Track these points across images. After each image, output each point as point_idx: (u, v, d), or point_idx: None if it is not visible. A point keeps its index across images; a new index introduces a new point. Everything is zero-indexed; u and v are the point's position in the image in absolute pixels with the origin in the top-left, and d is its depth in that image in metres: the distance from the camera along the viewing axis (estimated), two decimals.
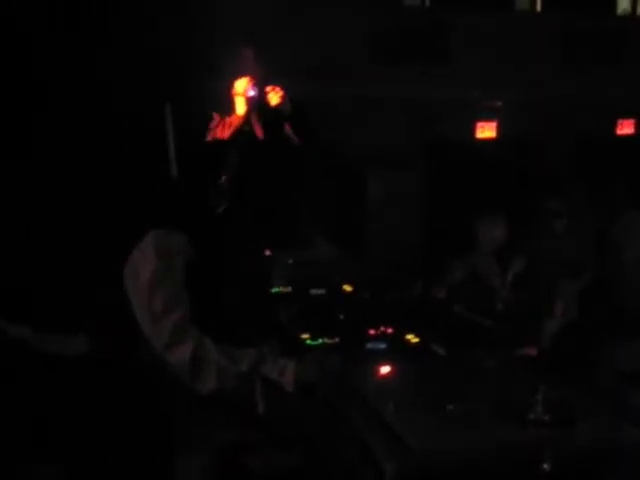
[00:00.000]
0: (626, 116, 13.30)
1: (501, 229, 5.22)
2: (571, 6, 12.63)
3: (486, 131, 12.54)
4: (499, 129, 12.50)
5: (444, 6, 12.58)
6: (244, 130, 3.03)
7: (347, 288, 4.78)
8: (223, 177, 2.80)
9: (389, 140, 11.53)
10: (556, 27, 12.64)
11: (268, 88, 3.37)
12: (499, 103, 12.30)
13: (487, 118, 12.34)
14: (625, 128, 13.49)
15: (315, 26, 10.98)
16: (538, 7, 13.45)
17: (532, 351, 3.52)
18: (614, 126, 13.38)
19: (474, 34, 12.21)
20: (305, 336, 3.67)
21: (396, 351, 3.44)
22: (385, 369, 3.07)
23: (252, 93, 3.31)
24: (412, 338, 3.65)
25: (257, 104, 3.31)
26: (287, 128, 3.35)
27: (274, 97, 3.36)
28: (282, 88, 3.41)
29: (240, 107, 3.27)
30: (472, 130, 12.35)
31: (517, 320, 4.36)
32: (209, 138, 2.88)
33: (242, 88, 3.34)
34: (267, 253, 5.01)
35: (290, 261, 5.21)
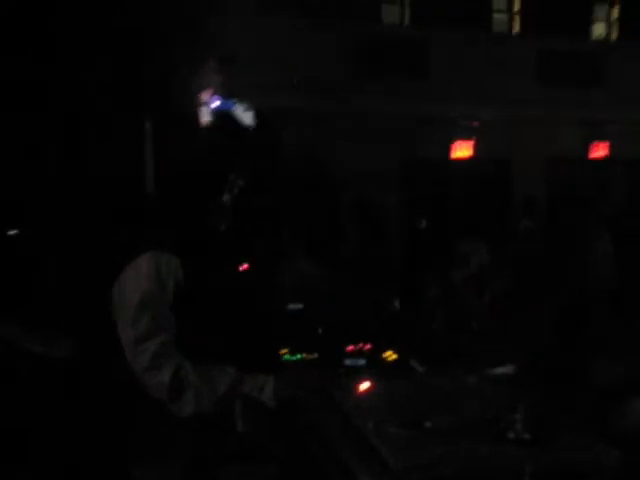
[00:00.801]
0: (600, 139, 13.47)
1: (481, 251, 5.26)
2: (547, 29, 12.80)
3: (463, 149, 12.64)
4: (474, 148, 12.61)
5: (422, 24, 12.69)
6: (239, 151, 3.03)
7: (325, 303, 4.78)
8: (225, 197, 2.80)
9: (366, 156, 11.57)
10: (532, 48, 12.81)
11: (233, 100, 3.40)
12: (475, 122, 12.41)
13: (464, 136, 12.45)
14: (600, 150, 13.65)
15: (297, 42, 11.03)
16: (515, 29, 13.61)
17: (510, 369, 3.53)
18: (588, 148, 13.55)
19: (452, 53, 12.33)
20: (283, 351, 3.66)
21: (375, 367, 3.44)
22: (364, 385, 3.06)
23: (216, 104, 3.34)
24: (390, 355, 3.66)
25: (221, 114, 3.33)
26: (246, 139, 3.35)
27: (240, 111, 3.39)
28: (246, 101, 3.43)
29: (204, 117, 3.29)
30: (448, 148, 12.45)
31: (494, 338, 4.38)
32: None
33: (206, 99, 3.37)
34: (244, 267, 5.01)
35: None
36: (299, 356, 3.59)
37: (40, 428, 2.49)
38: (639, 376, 3.30)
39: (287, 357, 3.61)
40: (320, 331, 4.06)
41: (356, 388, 3.05)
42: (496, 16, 13.63)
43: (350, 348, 3.73)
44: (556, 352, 3.50)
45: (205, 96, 3.14)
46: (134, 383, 2.66)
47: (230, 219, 2.83)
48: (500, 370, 3.50)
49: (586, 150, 13.50)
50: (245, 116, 3.37)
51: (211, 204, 2.80)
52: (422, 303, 5.12)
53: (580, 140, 13.17)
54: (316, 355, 3.60)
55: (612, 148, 13.45)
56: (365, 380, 3.09)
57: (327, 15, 11.53)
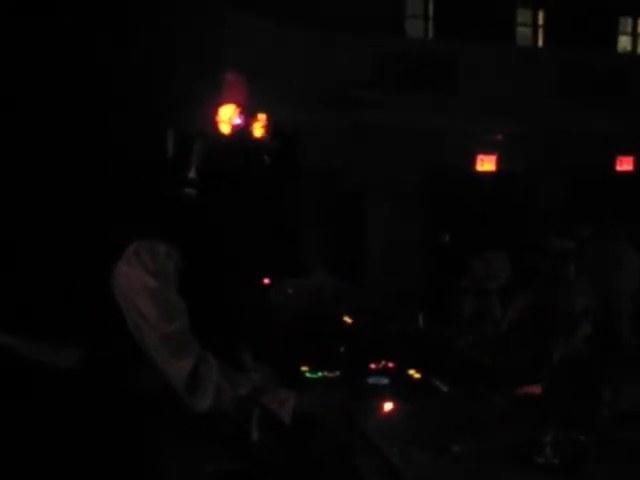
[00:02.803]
0: (626, 153, 13.34)
1: (505, 267, 5.18)
2: (572, 43, 12.72)
3: (486, 164, 12.56)
4: (498, 162, 12.53)
5: (447, 39, 12.65)
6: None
7: (347, 320, 4.72)
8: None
9: (390, 170, 11.53)
10: (557, 61, 12.72)
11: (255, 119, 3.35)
12: (499, 136, 12.34)
13: (488, 151, 12.37)
14: (624, 165, 13.52)
15: (320, 56, 11.03)
16: (540, 42, 13.54)
17: (535, 389, 3.44)
18: (613, 162, 13.42)
19: (476, 67, 12.27)
20: (305, 368, 3.60)
21: (398, 386, 3.37)
22: (388, 406, 2.99)
23: (238, 121, 3.29)
24: (414, 373, 3.58)
25: (241, 132, 3.28)
26: (266, 159, 3.30)
27: (258, 128, 3.33)
28: (268, 119, 3.38)
29: (226, 132, 3.23)
30: (473, 162, 12.37)
31: (518, 357, 4.29)
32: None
33: (227, 116, 3.31)
34: (266, 281, 4.97)
35: (290, 290, 5.15)
36: (320, 374, 3.53)
37: (48, 443, 2.43)
38: None
39: (309, 375, 3.55)
40: (342, 349, 4.00)
41: (379, 409, 2.98)
42: (520, 30, 13.57)
43: (373, 366, 3.66)
44: (587, 370, 3.41)
45: (225, 112, 3.14)
46: (149, 392, 2.61)
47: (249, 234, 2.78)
48: (528, 389, 3.41)
49: (612, 163, 13.37)
50: (265, 133, 3.32)
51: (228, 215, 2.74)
52: (449, 319, 5.05)
53: (605, 153, 13.04)
54: (338, 373, 3.54)
55: (638, 161, 13.32)
56: (388, 400, 3.02)
57: (351, 29, 11.51)
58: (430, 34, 13.06)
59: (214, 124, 3.23)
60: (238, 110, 3.32)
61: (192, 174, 2.65)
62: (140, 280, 2.49)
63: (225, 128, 3.21)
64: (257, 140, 3.31)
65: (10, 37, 5.43)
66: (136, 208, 2.60)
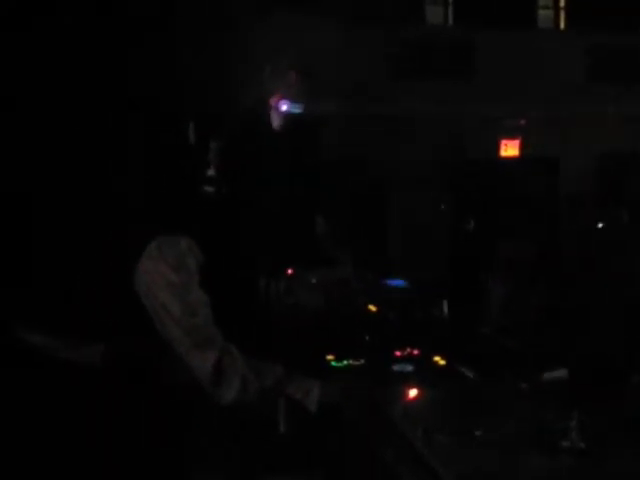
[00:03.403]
0: None
1: (532, 250, 5.16)
2: (595, 23, 12.57)
3: (509, 149, 12.48)
4: (522, 147, 12.44)
5: (467, 24, 12.56)
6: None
7: (372, 308, 4.72)
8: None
9: (413, 157, 11.50)
10: (580, 44, 12.59)
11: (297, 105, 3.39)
12: (522, 121, 12.25)
13: (510, 136, 12.29)
14: None
15: (340, 45, 10.99)
16: (562, 24, 13.40)
17: (564, 373, 3.43)
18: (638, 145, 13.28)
19: (497, 52, 12.18)
20: (330, 357, 3.61)
21: (424, 373, 3.37)
22: (413, 392, 2.99)
23: (284, 108, 3.35)
24: (439, 360, 3.58)
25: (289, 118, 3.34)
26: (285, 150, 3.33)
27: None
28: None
29: (275, 121, 3.28)
30: (496, 148, 12.30)
31: (548, 342, 4.27)
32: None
33: (275, 103, 3.36)
34: (289, 271, 4.98)
35: (313, 280, 5.14)
36: (345, 362, 3.54)
37: (71, 440, 2.45)
38: None
39: (334, 363, 3.56)
40: (367, 336, 4.00)
41: (404, 395, 2.98)
42: (542, 12, 13.44)
43: (398, 354, 3.66)
44: (608, 356, 3.40)
45: (274, 100, 3.20)
46: (175, 386, 2.63)
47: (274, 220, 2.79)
48: (554, 374, 3.40)
49: (636, 147, 13.22)
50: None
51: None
52: (474, 304, 5.03)
53: (630, 137, 12.90)
54: (363, 361, 3.54)
55: None
56: (413, 387, 3.02)
57: (370, 16, 11.47)
58: (450, 20, 12.98)
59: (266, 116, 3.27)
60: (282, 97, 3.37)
61: (211, 171, 2.67)
62: (163, 275, 2.50)
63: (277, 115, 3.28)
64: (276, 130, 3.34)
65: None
66: (157, 205, 2.62)
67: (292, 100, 3.44)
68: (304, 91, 3.71)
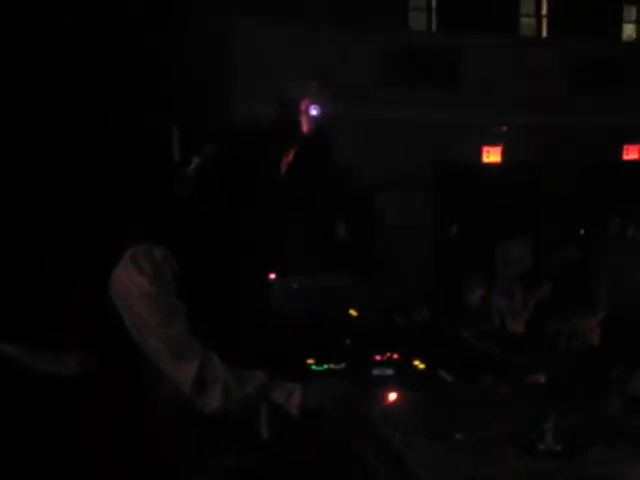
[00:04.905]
0: (632, 142, 13.31)
1: (528, 252, 5.19)
2: (577, 31, 12.67)
3: (492, 155, 12.55)
4: (504, 153, 12.51)
5: (450, 31, 12.63)
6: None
7: (353, 313, 4.74)
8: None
9: (396, 163, 11.54)
10: (561, 52, 12.68)
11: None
12: (504, 127, 12.32)
13: (493, 142, 12.36)
14: (631, 153, 13.49)
15: (324, 50, 11.03)
16: (544, 32, 13.50)
17: (541, 378, 3.46)
18: (620, 151, 13.39)
19: (479, 58, 12.25)
20: (310, 361, 3.62)
21: (403, 377, 3.40)
22: (392, 395, 3.02)
23: (314, 112, 3.42)
24: (419, 364, 3.61)
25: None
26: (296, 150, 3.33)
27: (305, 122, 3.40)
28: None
29: (305, 126, 3.32)
30: (479, 154, 12.36)
31: (528, 346, 4.31)
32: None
33: (304, 107, 3.42)
34: (271, 277, 5.00)
35: (295, 285, 5.17)
36: (326, 366, 3.55)
37: (57, 452, 2.45)
38: None
39: (314, 367, 3.58)
40: (347, 341, 4.02)
41: (384, 398, 3.01)
42: (524, 20, 13.53)
43: (378, 358, 3.69)
44: (588, 360, 3.44)
45: (304, 105, 3.28)
46: (159, 393, 2.63)
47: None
48: (532, 379, 3.43)
49: (619, 154, 13.34)
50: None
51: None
52: (454, 309, 5.06)
53: (612, 144, 13.01)
54: (343, 365, 3.56)
55: None
56: (393, 390, 3.05)
57: (354, 22, 11.51)
58: (433, 27, 13.04)
59: (297, 121, 3.31)
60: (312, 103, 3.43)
61: (189, 171, 2.67)
62: (137, 285, 2.49)
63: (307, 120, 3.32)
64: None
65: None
66: (131, 215, 2.62)
67: (319, 105, 3.52)
68: (327, 95, 3.79)
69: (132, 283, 2.49)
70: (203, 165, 2.70)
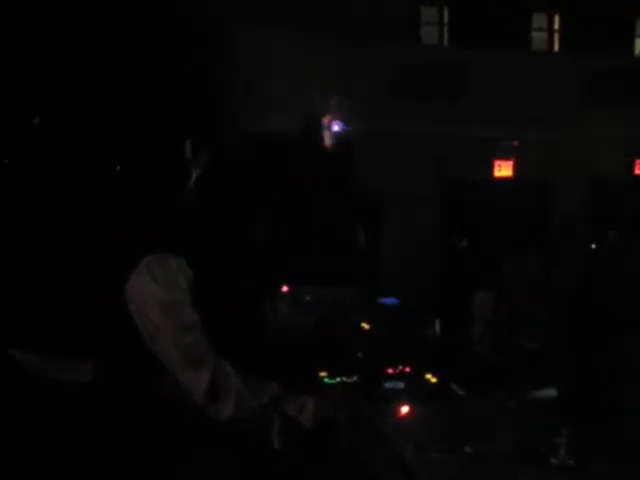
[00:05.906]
0: None
1: (535, 267, 5.20)
2: (588, 46, 12.68)
3: (503, 169, 12.55)
4: (515, 167, 12.51)
5: (462, 45, 12.67)
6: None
7: (365, 326, 4.75)
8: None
9: (408, 176, 11.56)
10: (573, 67, 12.69)
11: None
12: (516, 142, 12.33)
13: (504, 156, 12.36)
14: None
15: (334, 64, 11.08)
16: (556, 46, 13.52)
17: (554, 392, 3.46)
18: (632, 166, 13.37)
19: (491, 72, 12.27)
20: (323, 374, 3.64)
21: (415, 391, 3.41)
22: (404, 409, 3.03)
23: (336, 128, 3.49)
24: (431, 378, 3.62)
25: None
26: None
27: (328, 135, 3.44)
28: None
29: (327, 140, 3.38)
30: (490, 168, 12.36)
31: (540, 360, 4.31)
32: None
33: (326, 123, 3.47)
34: (284, 289, 5.01)
35: (307, 297, 5.18)
36: (338, 379, 3.57)
37: (69, 458, 2.47)
38: None
39: (326, 380, 3.59)
40: (360, 354, 4.03)
41: (395, 412, 3.02)
42: (536, 34, 13.56)
43: (390, 371, 3.70)
44: (598, 375, 3.44)
45: (326, 121, 3.36)
46: (172, 400, 2.64)
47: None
48: (543, 393, 3.44)
49: (630, 167, 13.31)
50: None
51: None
52: (465, 323, 5.06)
53: (623, 157, 13.00)
54: (355, 378, 3.58)
55: None
56: (404, 404, 3.06)
57: (365, 36, 11.56)
58: (445, 41, 13.08)
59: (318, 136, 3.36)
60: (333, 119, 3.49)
61: (192, 183, 2.70)
62: (153, 294, 2.51)
63: (327, 137, 3.39)
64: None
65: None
66: (146, 224, 2.65)
67: (340, 120, 3.59)
68: (346, 111, 3.86)
69: (147, 291, 2.52)
70: (203, 174, 2.72)
